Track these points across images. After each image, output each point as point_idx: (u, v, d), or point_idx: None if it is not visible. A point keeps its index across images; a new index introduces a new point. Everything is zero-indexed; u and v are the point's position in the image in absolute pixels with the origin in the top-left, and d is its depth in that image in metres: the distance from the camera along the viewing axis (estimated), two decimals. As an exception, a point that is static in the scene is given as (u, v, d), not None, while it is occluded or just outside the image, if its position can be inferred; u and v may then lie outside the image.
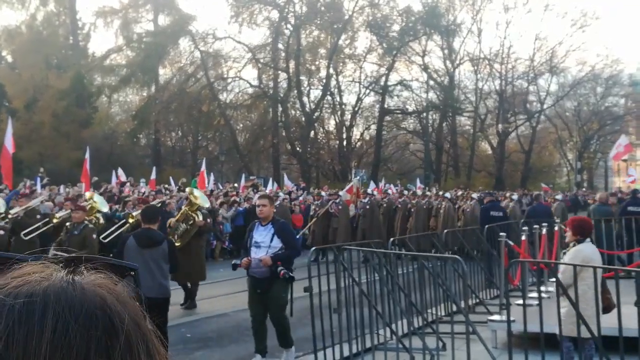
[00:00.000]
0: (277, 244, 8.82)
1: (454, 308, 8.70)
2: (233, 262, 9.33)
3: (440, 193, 27.12)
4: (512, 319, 7.35)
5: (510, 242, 12.24)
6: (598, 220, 16.61)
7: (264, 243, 8.88)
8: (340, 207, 22.00)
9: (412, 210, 23.56)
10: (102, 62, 54.57)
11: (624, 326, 6.14)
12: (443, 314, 10.45)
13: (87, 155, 23.24)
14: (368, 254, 9.34)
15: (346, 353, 8.62)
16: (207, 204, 15.46)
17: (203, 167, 28.81)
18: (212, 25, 71.56)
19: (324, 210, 21.31)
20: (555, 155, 72.83)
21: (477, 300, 12.13)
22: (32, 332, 0.83)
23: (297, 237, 16.88)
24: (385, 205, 24.41)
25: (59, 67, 47.13)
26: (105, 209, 14.92)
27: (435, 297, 10.32)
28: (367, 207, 22.41)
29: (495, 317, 9.80)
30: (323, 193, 26.42)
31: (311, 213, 23.73)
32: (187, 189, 13.47)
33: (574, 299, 6.72)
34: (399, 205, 24.15)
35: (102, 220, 13.78)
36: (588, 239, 7.56)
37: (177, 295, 15.26)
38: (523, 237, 11.71)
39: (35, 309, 0.84)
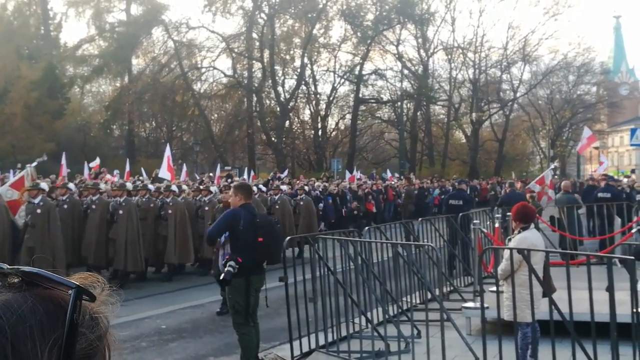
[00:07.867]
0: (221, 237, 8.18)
1: (429, 296, 8.74)
2: None
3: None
4: (485, 305, 7.39)
5: (485, 230, 12.34)
6: (566, 208, 16.77)
7: None
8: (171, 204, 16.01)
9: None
10: (74, 52, 53.98)
11: (595, 311, 6.22)
12: (418, 301, 10.52)
13: (64, 160, 23.93)
14: (343, 242, 9.33)
15: (322, 342, 8.66)
16: None
17: (168, 152, 23.94)
18: (186, 15, 71.67)
19: None
20: (528, 143, 73.51)
21: (452, 288, 12.21)
22: None
23: None
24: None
25: (31, 57, 46.49)
26: None
27: (410, 285, 10.38)
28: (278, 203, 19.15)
29: (469, 304, 9.87)
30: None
31: None
32: None
33: (519, 284, 6.98)
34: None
35: None
36: (532, 225, 7.76)
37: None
38: (497, 225, 11.79)
39: None
